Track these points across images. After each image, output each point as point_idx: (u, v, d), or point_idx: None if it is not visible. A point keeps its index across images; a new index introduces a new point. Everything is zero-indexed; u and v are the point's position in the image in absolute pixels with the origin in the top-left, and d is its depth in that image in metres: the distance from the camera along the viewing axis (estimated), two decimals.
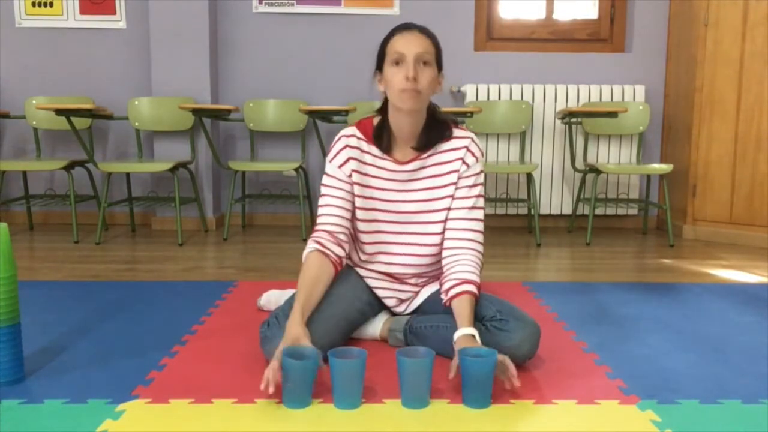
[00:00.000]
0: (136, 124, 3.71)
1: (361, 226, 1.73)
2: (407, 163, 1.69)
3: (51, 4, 3.84)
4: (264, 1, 3.85)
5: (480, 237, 1.70)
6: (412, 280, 1.78)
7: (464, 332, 1.51)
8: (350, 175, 1.69)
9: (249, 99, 3.84)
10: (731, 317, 2.08)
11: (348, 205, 1.70)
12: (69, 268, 2.73)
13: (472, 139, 1.71)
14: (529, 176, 3.54)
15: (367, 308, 1.77)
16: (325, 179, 1.72)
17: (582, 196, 3.80)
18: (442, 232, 1.70)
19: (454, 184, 1.69)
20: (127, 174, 3.78)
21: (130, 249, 3.19)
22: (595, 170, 3.52)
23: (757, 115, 3.37)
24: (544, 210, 3.91)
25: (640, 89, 3.83)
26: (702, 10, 3.49)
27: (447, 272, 1.65)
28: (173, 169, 3.37)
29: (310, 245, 1.65)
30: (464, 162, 1.69)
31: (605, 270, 2.80)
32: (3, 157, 3.94)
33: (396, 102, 1.61)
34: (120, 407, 1.36)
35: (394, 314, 1.82)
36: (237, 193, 3.80)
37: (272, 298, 2.08)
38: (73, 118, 3.30)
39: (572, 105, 3.81)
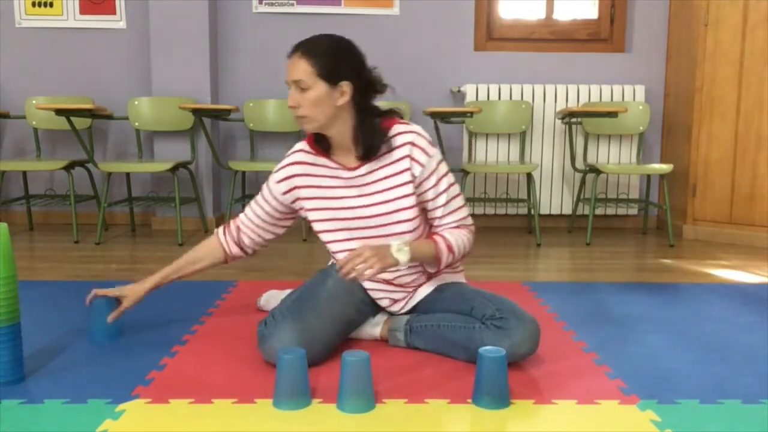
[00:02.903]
0: (136, 124, 3.71)
1: (326, 236, 1.73)
2: (357, 168, 1.67)
3: (51, 4, 3.84)
4: (264, 1, 3.85)
5: (466, 220, 1.71)
6: (397, 281, 1.75)
7: (393, 240, 1.59)
8: (287, 192, 1.73)
9: (249, 99, 3.84)
10: (731, 317, 2.08)
11: (267, 218, 1.79)
12: (69, 268, 2.73)
13: (417, 133, 1.65)
14: (529, 176, 3.54)
15: (364, 306, 1.76)
16: (263, 187, 1.79)
17: (582, 196, 3.80)
18: (414, 230, 1.67)
19: (410, 182, 1.64)
20: (127, 174, 3.78)
21: (130, 249, 3.19)
22: (595, 170, 3.52)
23: (757, 115, 3.37)
24: (544, 210, 3.91)
25: (640, 89, 3.83)
26: (702, 10, 3.49)
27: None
28: (173, 169, 3.37)
29: (218, 230, 1.85)
30: (414, 160, 1.63)
31: (605, 270, 2.80)
32: (3, 157, 3.94)
33: None
34: (120, 407, 1.36)
35: (392, 314, 1.82)
36: (237, 193, 3.80)
37: (272, 298, 2.08)
38: (73, 118, 3.30)
39: (572, 105, 3.81)
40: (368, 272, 1.50)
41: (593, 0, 4.00)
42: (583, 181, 3.77)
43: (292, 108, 1.62)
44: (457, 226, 1.69)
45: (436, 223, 1.69)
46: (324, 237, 1.73)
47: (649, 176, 3.84)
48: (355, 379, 1.35)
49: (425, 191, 1.66)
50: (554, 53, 3.93)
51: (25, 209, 3.80)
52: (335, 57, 1.60)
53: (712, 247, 3.38)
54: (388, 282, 1.74)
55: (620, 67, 3.92)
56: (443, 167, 1.67)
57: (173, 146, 3.76)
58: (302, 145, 1.75)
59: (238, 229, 1.83)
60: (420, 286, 1.78)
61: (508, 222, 3.98)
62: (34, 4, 3.83)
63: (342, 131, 1.64)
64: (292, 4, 3.85)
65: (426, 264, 1.70)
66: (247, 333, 1.82)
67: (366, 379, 1.36)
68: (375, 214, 1.67)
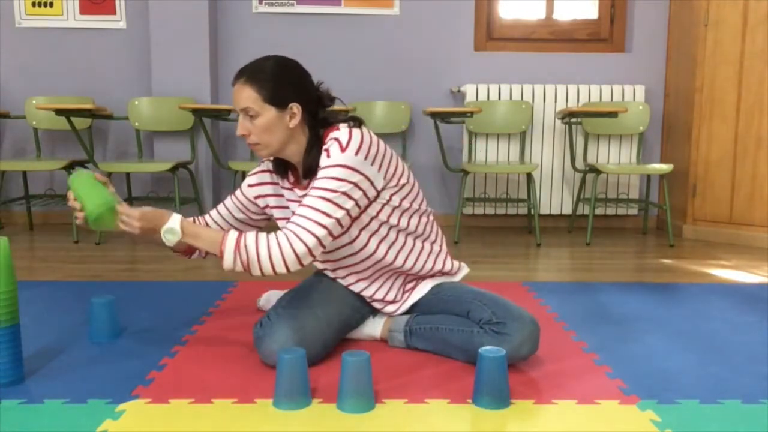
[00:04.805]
0: (136, 124, 3.71)
1: None
2: (306, 187, 1.64)
3: (51, 4, 3.84)
4: (264, 1, 3.85)
5: (305, 221, 1.48)
6: (374, 298, 1.74)
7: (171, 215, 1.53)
8: (258, 197, 1.74)
9: None
10: (731, 317, 2.08)
11: (238, 215, 1.78)
12: (69, 268, 2.73)
13: (335, 138, 1.52)
14: (529, 176, 3.54)
15: (362, 306, 1.76)
16: (237, 190, 1.79)
17: (582, 196, 3.80)
18: (364, 246, 1.62)
19: None
20: (127, 174, 3.78)
21: (130, 249, 3.19)
22: (595, 170, 3.52)
23: (757, 115, 3.37)
24: (544, 210, 3.91)
25: (640, 89, 3.83)
26: (702, 10, 3.49)
27: None
28: (173, 169, 3.37)
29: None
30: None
31: (605, 270, 2.80)
32: (3, 157, 3.94)
33: None
34: (120, 407, 1.36)
35: (390, 315, 1.81)
36: None
37: (272, 298, 2.08)
38: (73, 118, 3.30)
39: (572, 105, 3.81)
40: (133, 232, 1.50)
41: (593, 0, 4.00)
42: (583, 181, 3.77)
43: (243, 137, 1.58)
44: (288, 225, 1.50)
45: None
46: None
47: (649, 176, 3.84)
48: (355, 379, 1.35)
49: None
50: (554, 53, 3.93)
51: (25, 209, 3.80)
52: (281, 79, 1.56)
53: (712, 247, 3.38)
54: (369, 297, 1.74)
55: (620, 67, 3.92)
56: (337, 171, 1.49)
57: (173, 146, 3.76)
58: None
59: (206, 223, 1.81)
60: (410, 291, 1.75)
61: (508, 222, 3.98)
62: (34, 4, 3.83)
63: (296, 151, 1.61)
64: (292, 4, 3.84)
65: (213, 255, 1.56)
66: (247, 333, 1.82)
67: (366, 379, 1.36)
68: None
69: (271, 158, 1.70)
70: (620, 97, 3.81)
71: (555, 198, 3.91)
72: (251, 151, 3.87)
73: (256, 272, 1.49)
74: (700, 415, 1.36)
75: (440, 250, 1.74)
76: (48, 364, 1.61)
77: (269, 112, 1.55)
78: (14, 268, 1.47)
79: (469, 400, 1.40)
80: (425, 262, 1.71)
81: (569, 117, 3.56)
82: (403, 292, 1.75)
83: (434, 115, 3.45)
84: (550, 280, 2.61)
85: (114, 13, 3.85)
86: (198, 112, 3.45)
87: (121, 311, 2.06)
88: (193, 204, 3.70)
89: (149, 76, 3.81)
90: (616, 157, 3.86)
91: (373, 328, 1.77)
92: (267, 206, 1.76)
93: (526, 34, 4.00)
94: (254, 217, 1.80)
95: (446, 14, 3.88)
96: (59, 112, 3.21)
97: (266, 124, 1.55)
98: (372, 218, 1.61)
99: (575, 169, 3.72)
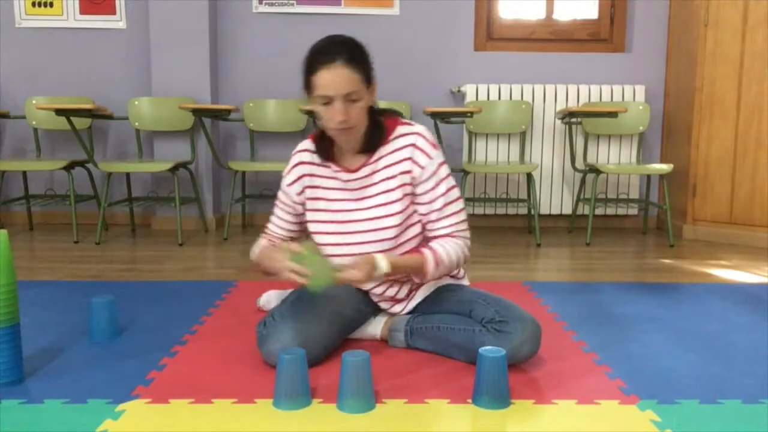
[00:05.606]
0: (136, 124, 3.71)
1: (319, 238, 1.71)
2: (358, 169, 1.65)
3: (51, 4, 3.84)
4: (264, 1, 3.85)
5: (461, 226, 1.65)
6: (380, 288, 1.74)
7: (377, 256, 1.54)
8: (300, 192, 1.71)
9: (249, 99, 3.84)
10: (731, 317, 2.08)
11: (294, 225, 1.77)
12: (69, 268, 2.73)
13: (420, 134, 1.62)
14: (529, 176, 3.54)
15: (364, 307, 1.76)
16: (279, 192, 1.76)
17: (582, 196, 3.80)
18: (395, 237, 1.64)
19: (408, 184, 1.63)
20: (127, 174, 3.78)
21: (130, 249, 3.19)
22: (595, 170, 3.52)
23: (757, 115, 3.37)
24: (544, 210, 3.91)
25: (640, 89, 3.83)
26: (702, 10, 3.49)
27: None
28: (173, 169, 3.37)
29: (260, 241, 1.78)
30: (414, 162, 1.61)
31: (605, 270, 2.80)
32: (3, 157, 3.94)
33: (331, 134, 1.60)
34: (120, 407, 1.36)
35: (393, 315, 1.82)
36: (237, 193, 3.80)
37: (272, 298, 2.08)
38: (73, 118, 3.30)
39: (572, 105, 3.81)
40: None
41: (593, 0, 4.00)
42: (583, 181, 3.77)
43: (342, 122, 1.52)
44: (451, 234, 1.64)
45: (429, 227, 1.66)
46: (317, 238, 1.71)
47: (649, 176, 3.84)
48: (355, 379, 1.35)
49: (422, 194, 1.63)
50: (554, 53, 3.93)
51: (25, 209, 3.80)
52: (368, 58, 1.56)
53: (712, 247, 3.38)
54: (379, 295, 1.75)
55: (620, 67, 3.92)
56: (444, 170, 1.63)
57: (173, 146, 3.76)
58: (307, 144, 1.72)
59: (281, 238, 1.77)
60: (415, 290, 1.77)
61: (508, 222, 3.98)
62: (34, 4, 3.83)
63: (359, 135, 1.61)
64: (292, 4, 3.84)
65: (414, 276, 1.67)
66: (247, 333, 1.82)
67: (366, 379, 1.36)
68: (367, 218, 1.65)
69: (313, 142, 1.69)
70: (620, 97, 3.81)
71: (555, 198, 3.91)
72: (251, 151, 3.87)
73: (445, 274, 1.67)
74: (700, 415, 1.36)
75: None
76: (48, 364, 1.61)
77: (366, 95, 1.55)
78: (14, 264, 1.47)
79: (469, 400, 1.40)
80: None
81: (569, 117, 3.56)
82: (410, 291, 1.76)
83: (434, 115, 3.45)
84: (550, 280, 2.61)
85: (114, 13, 3.85)
86: (198, 112, 3.45)
87: (121, 311, 2.06)
88: (193, 204, 3.71)
89: (149, 76, 3.81)
90: (616, 157, 3.86)
91: (374, 327, 1.78)
92: (307, 198, 1.71)
93: (526, 34, 4.00)
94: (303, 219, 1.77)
95: (446, 14, 3.88)
96: (59, 112, 3.21)
97: (363, 107, 1.55)
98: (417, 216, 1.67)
99: (575, 169, 3.72)
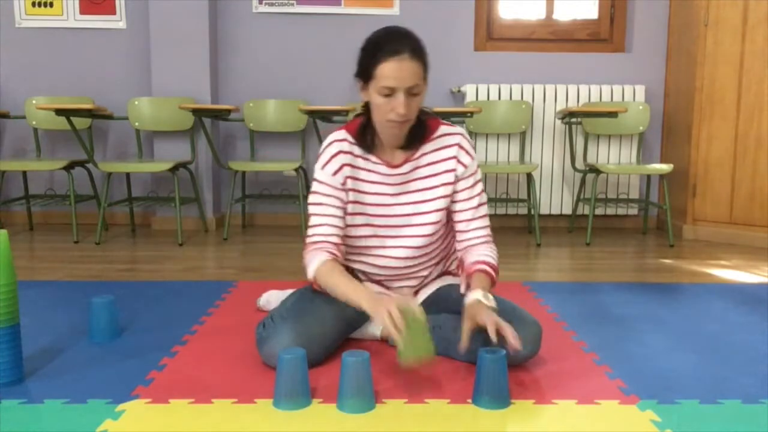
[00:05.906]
0: (136, 124, 3.71)
1: (349, 231, 1.69)
2: (400, 165, 1.65)
3: (51, 4, 3.84)
4: (264, 1, 3.85)
5: (489, 230, 1.70)
6: (396, 284, 1.75)
7: (473, 296, 1.50)
8: (344, 183, 1.63)
9: (249, 99, 3.84)
10: (731, 317, 2.08)
11: (343, 214, 1.64)
12: (69, 268, 2.73)
13: (463, 135, 1.67)
14: (529, 176, 3.54)
15: None
16: (317, 186, 1.63)
17: (582, 196, 3.80)
18: (431, 234, 1.67)
19: (451, 183, 1.65)
20: (127, 174, 3.78)
21: (130, 249, 3.19)
22: (595, 170, 3.52)
23: (757, 115, 3.37)
24: (544, 210, 3.91)
25: (640, 89, 3.83)
26: (702, 10, 3.49)
27: (465, 260, 1.64)
28: (173, 169, 3.37)
29: (322, 255, 1.58)
30: (459, 161, 1.65)
31: (605, 270, 2.80)
32: (3, 157, 3.94)
33: (380, 126, 1.58)
34: (120, 407, 1.36)
35: None
36: (237, 193, 3.80)
37: (272, 298, 2.08)
38: (73, 118, 3.30)
39: (572, 105, 3.81)
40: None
41: (593, 0, 4.00)
42: (583, 181, 3.77)
43: (403, 115, 1.50)
44: (485, 242, 1.67)
45: (463, 227, 1.67)
46: (347, 230, 1.68)
47: (649, 176, 3.84)
48: (355, 379, 1.35)
49: (460, 191, 1.66)
50: (554, 53, 3.93)
51: (25, 209, 3.80)
52: (427, 54, 1.54)
53: (712, 247, 3.38)
54: (388, 288, 1.76)
55: (620, 67, 3.92)
56: (479, 174, 1.69)
57: (173, 146, 3.76)
58: (342, 134, 1.65)
59: (336, 245, 1.63)
60: (420, 288, 1.78)
61: (508, 222, 3.98)
62: (34, 4, 3.83)
63: (405, 131, 1.60)
64: (292, 4, 3.84)
65: None
66: (247, 333, 1.82)
67: (366, 379, 1.36)
68: (403, 213, 1.66)
69: (350, 132, 1.64)
70: (620, 97, 3.81)
71: (555, 198, 3.91)
72: (251, 151, 3.87)
73: None
74: (700, 415, 1.36)
75: (455, 251, 1.77)
76: (48, 364, 1.61)
77: (424, 88, 1.55)
78: (14, 264, 1.47)
79: (469, 400, 1.40)
80: (449, 262, 1.80)
81: (569, 117, 3.56)
82: (415, 293, 1.77)
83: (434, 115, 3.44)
84: (550, 280, 2.61)
85: (114, 13, 3.85)
86: (198, 112, 3.45)
87: (121, 311, 2.06)
88: (193, 204, 3.71)
89: (149, 76, 3.81)
90: (616, 157, 3.86)
91: (375, 327, 1.77)
92: (349, 189, 1.65)
93: (526, 34, 4.00)
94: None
95: (446, 14, 3.88)
96: (59, 112, 3.21)
97: (420, 101, 1.55)
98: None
99: (575, 169, 3.72)
